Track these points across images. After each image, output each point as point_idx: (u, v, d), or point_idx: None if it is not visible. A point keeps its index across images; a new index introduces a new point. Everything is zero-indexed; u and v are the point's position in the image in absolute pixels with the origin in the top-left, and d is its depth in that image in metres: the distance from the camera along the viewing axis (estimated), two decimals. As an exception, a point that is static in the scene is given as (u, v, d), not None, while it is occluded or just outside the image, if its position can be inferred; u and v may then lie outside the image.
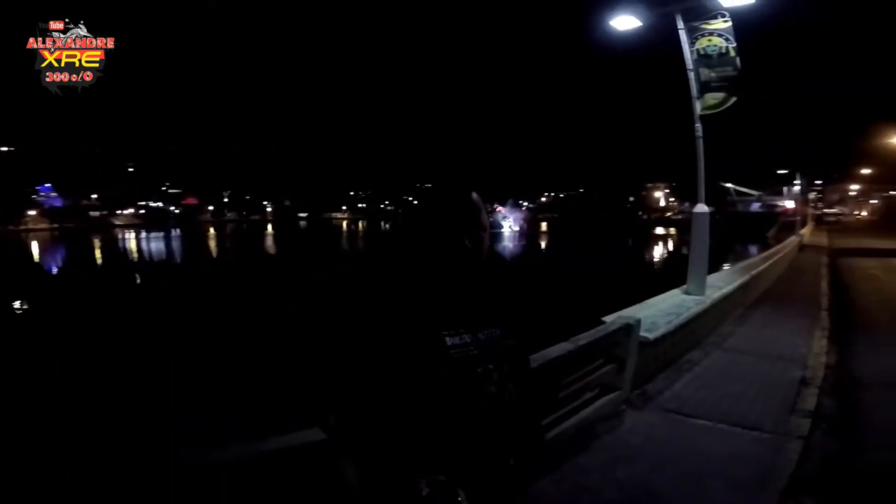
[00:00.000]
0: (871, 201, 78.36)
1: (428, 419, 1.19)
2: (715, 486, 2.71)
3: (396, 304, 1.25)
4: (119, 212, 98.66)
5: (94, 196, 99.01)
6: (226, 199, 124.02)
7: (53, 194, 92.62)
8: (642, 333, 4.37)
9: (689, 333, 5.80)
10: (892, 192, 70.25)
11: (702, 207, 7.22)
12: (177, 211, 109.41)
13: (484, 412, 1.23)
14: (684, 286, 7.34)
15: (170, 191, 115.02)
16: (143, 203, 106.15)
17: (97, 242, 52.09)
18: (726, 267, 12.70)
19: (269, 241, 56.36)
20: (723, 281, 8.61)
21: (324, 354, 1.30)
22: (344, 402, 1.24)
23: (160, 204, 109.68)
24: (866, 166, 50.83)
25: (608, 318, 4.34)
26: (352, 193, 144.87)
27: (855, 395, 4.62)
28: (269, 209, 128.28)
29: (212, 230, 79.22)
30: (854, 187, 78.55)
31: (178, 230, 75.40)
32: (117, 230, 77.40)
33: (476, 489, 1.20)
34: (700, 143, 6.98)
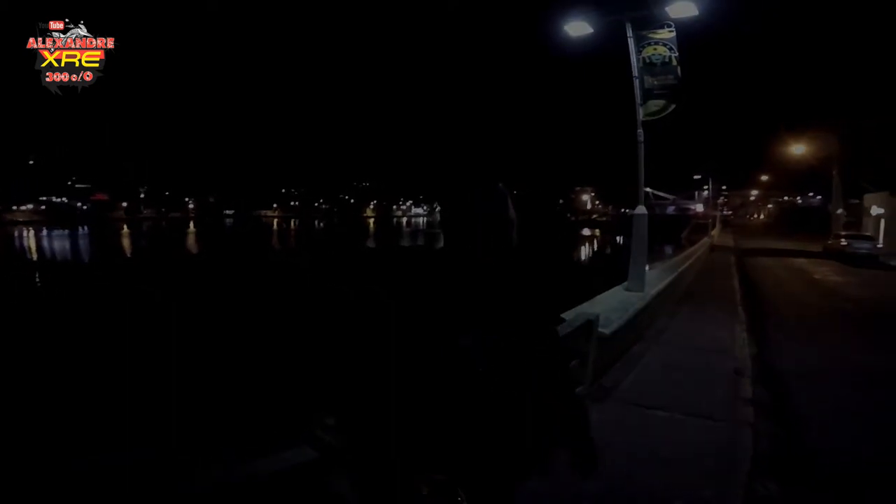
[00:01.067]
0: (769, 206, 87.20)
1: (433, 418, 1.15)
2: (689, 473, 2.85)
3: (408, 303, 1.20)
4: (15, 207, 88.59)
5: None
6: (142, 195, 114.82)
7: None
8: (599, 329, 4.54)
9: (634, 328, 6.10)
10: (786, 198, 78.67)
11: (641, 209, 7.62)
12: (84, 207, 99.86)
13: (490, 411, 1.20)
14: (625, 283, 7.71)
15: (76, 186, 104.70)
16: (45, 199, 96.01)
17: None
18: (646, 268, 13.36)
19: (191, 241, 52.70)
20: (655, 279, 9.14)
21: (325, 355, 1.24)
22: (346, 401, 1.19)
23: (64, 199, 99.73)
24: (765, 173, 56.20)
25: (567, 315, 4.46)
26: (283, 191, 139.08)
27: (780, 383, 5.05)
28: (191, 206, 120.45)
29: (125, 228, 73.09)
30: (755, 192, 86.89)
31: (85, 228, 68.95)
32: (14, 228, 69.37)
33: (476, 489, 1.18)
34: (641, 147, 7.36)
